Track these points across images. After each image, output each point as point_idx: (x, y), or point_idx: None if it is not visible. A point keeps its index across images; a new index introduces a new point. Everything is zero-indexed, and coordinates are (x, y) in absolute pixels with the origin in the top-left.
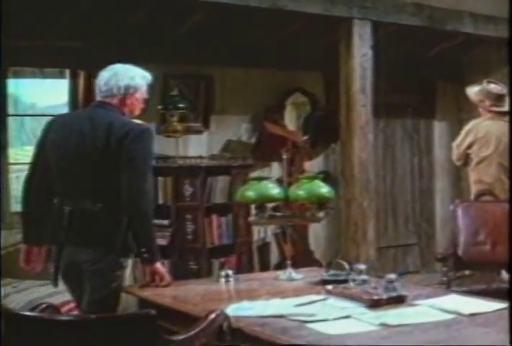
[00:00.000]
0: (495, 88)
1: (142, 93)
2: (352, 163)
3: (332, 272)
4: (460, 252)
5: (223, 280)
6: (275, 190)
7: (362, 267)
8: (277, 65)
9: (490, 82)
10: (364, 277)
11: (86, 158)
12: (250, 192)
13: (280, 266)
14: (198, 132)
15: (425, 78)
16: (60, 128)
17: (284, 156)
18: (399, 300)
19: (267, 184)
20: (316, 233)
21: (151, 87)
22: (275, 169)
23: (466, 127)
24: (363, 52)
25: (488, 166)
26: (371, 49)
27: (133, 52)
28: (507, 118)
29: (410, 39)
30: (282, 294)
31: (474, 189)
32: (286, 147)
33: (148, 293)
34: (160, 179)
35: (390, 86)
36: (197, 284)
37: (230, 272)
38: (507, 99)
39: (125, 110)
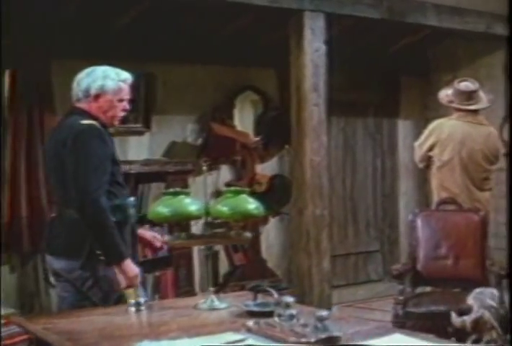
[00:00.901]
0: (465, 86)
1: (113, 94)
2: (303, 167)
3: (260, 300)
4: (419, 267)
5: (133, 309)
6: (192, 206)
7: (289, 299)
8: (227, 61)
9: (461, 81)
10: (292, 311)
11: (52, 166)
12: (163, 208)
13: (231, 275)
14: (138, 133)
15: (387, 75)
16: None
17: (204, 167)
18: (330, 342)
19: (184, 199)
20: (270, 241)
21: None
22: (225, 173)
23: (431, 126)
24: (315, 47)
25: (451, 172)
26: (325, 44)
27: (64, 50)
28: (473, 118)
29: (370, 33)
30: (196, 330)
31: (435, 196)
32: (235, 149)
33: (37, 327)
34: None
35: (350, 83)
36: (102, 314)
37: (142, 299)
38: (477, 97)
39: (97, 114)
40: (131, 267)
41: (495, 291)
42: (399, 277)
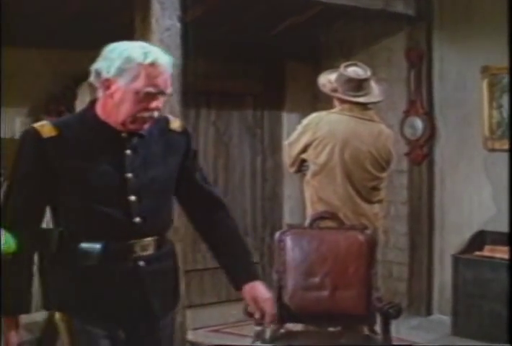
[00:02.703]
0: (354, 72)
1: (127, 83)
2: None
3: None
4: (286, 299)
5: None
6: None
7: None
8: (67, 44)
9: (349, 66)
10: None
11: None
12: None
13: None
14: None
15: (270, 61)
16: None
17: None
18: None
19: None
20: None
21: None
22: None
23: (305, 121)
24: (166, 25)
25: (330, 179)
26: (180, 21)
27: None
28: (361, 113)
29: (248, 10)
30: None
31: (309, 209)
32: None
33: None
34: None
35: (224, 70)
36: None
37: None
38: (367, 88)
39: (110, 112)
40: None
41: None
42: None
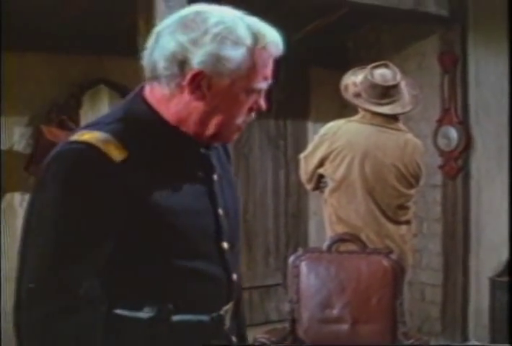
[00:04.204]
0: (382, 77)
1: (235, 78)
2: None
3: None
4: (301, 333)
5: None
6: None
7: None
8: (71, 48)
9: (377, 67)
10: None
11: None
12: None
13: None
14: None
15: (293, 66)
16: None
17: None
18: None
19: None
20: None
21: None
22: None
23: (322, 130)
24: None
25: (350, 196)
26: None
27: None
28: (385, 121)
29: (269, 12)
30: None
31: (329, 230)
32: None
33: None
34: None
35: None
36: None
37: None
38: (396, 94)
39: (181, 119)
40: None
41: None
42: None
